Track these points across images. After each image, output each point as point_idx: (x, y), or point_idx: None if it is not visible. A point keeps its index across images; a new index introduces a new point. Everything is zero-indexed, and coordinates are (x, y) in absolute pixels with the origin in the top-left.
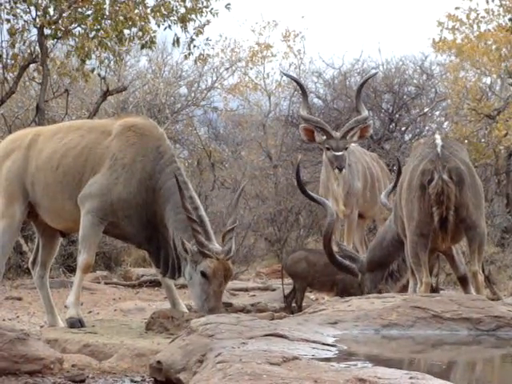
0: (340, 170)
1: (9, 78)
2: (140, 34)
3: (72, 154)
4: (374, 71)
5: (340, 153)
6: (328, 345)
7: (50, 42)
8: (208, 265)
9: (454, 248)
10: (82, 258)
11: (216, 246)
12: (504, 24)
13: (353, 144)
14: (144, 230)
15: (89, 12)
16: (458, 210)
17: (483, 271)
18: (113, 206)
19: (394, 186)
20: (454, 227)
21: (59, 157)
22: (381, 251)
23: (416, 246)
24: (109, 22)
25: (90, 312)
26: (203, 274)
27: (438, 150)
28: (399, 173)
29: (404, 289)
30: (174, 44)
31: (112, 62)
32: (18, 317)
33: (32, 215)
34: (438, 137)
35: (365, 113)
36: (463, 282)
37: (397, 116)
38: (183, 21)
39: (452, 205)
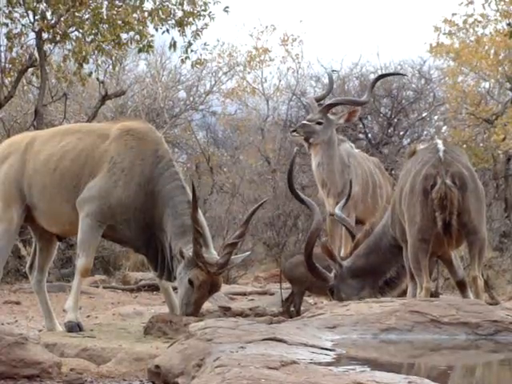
0: (291, 132)
1: (7, 82)
2: (137, 37)
3: (69, 157)
4: (403, 73)
5: (305, 122)
6: (326, 349)
7: (47, 46)
8: (197, 275)
9: (452, 253)
10: (80, 262)
11: (212, 255)
12: (502, 29)
13: (356, 150)
14: (142, 233)
15: (86, 16)
16: (460, 215)
17: (482, 276)
18: (111, 209)
19: (346, 201)
20: (457, 232)
21: (56, 159)
22: (377, 257)
23: (417, 250)
24: (106, 26)
25: (89, 316)
26: (190, 283)
27: (441, 154)
28: (349, 195)
29: (403, 294)
30: (170, 48)
31: (110, 67)
32: (16, 321)
33: (29, 219)
34: (439, 141)
35: (363, 98)
36: (461, 286)
37: (395, 120)
38: (181, 24)
39: (455, 209)
